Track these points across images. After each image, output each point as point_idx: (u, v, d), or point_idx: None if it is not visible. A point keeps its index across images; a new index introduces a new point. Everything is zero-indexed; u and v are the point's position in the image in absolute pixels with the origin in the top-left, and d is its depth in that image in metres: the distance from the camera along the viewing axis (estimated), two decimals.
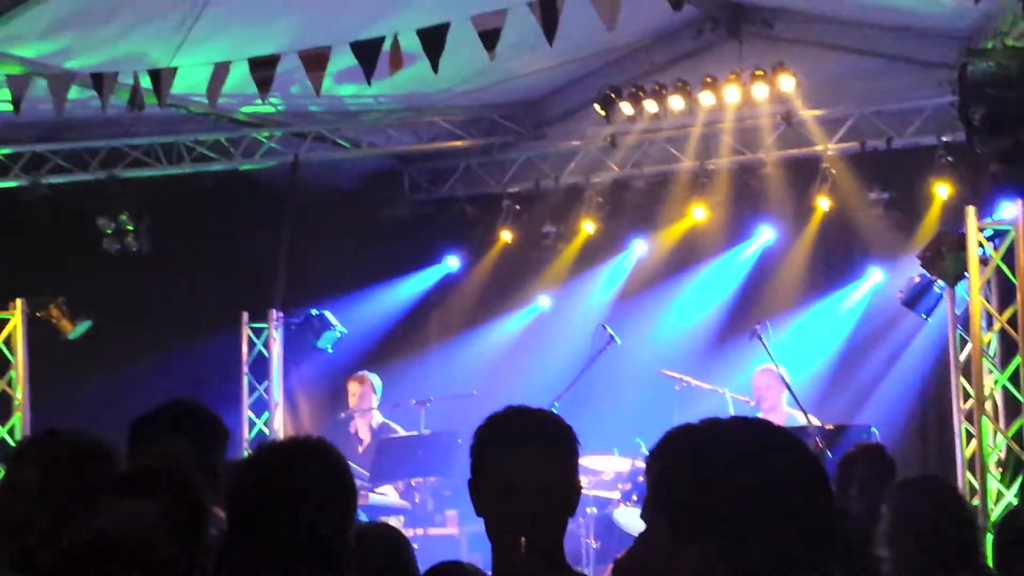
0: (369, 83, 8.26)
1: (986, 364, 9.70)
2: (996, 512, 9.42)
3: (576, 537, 9.80)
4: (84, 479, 3.53)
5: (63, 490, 3.60)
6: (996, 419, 9.67)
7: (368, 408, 11.01)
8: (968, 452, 9.89)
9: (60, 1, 8.13)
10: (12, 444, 10.58)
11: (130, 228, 10.59)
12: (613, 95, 10.86)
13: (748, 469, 2.20)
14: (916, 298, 10.41)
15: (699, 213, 11.68)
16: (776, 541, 2.13)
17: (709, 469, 2.19)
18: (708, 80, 10.57)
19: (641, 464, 9.05)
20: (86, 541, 3.21)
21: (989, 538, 9.12)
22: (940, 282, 10.00)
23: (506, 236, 12.52)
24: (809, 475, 2.22)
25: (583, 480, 9.61)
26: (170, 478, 3.43)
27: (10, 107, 8.66)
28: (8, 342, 11.11)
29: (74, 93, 8.68)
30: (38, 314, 11.12)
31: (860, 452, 7.33)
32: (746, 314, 11.61)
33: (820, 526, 2.19)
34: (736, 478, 2.16)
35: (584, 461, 9.99)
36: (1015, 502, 9.43)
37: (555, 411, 10.63)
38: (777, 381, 10.30)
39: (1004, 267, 9.61)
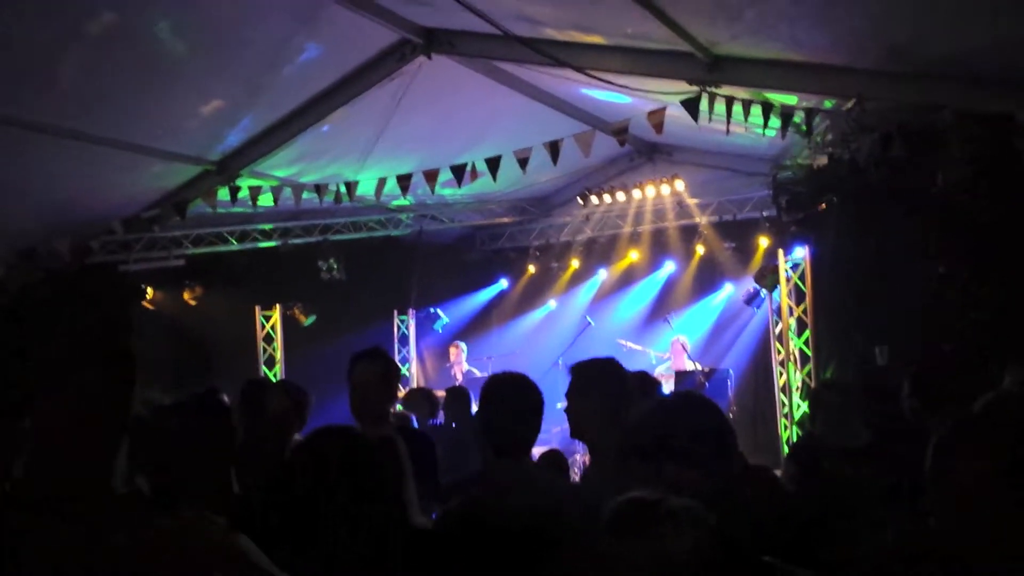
0: (460, 187, 8.29)
1: (790, 334, 9.65)
2: (797, 413, 9.37)
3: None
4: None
5: None
6: (797, 365, 9.61)
7: (460, 362, 11.01)
8: (781, 383, 9.83)
9: (296, 146, 8.16)
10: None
11: (335, 266, 10.58)
12: (587, 192, 10.83)
13: (674, 423, 2.24)
14: (751, 299, 10.36)
15: (634, 255, 11.63)
16: (700, 448, 2.17)
17: (656, 436, 2.22)
18: (637, 184, 10.50)
19: None
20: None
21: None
22: (764, 291, 9.95)
23: (532, 268, 12.45)
24: (705, 407, 2.35)
25: None
26: (381, 353, 3.86)
27: (271, 202, 8.72)
28: (273, 327, 11.25)
29: (305, 195, 8.68)
30: (288, 312, 11.21)
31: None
32: (661, 309, 11.59)
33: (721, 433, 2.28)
34: (669, 432, 2.19)
35: None
36: (807, 409, 9.35)
37: (560, 363, 10.50)
38: (680, 347, 10.26)
39: (799, 282, 9.58)
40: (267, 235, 10.12)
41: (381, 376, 3.73)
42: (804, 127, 7.11)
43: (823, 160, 7.75)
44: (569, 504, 2.56)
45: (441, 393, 7.49)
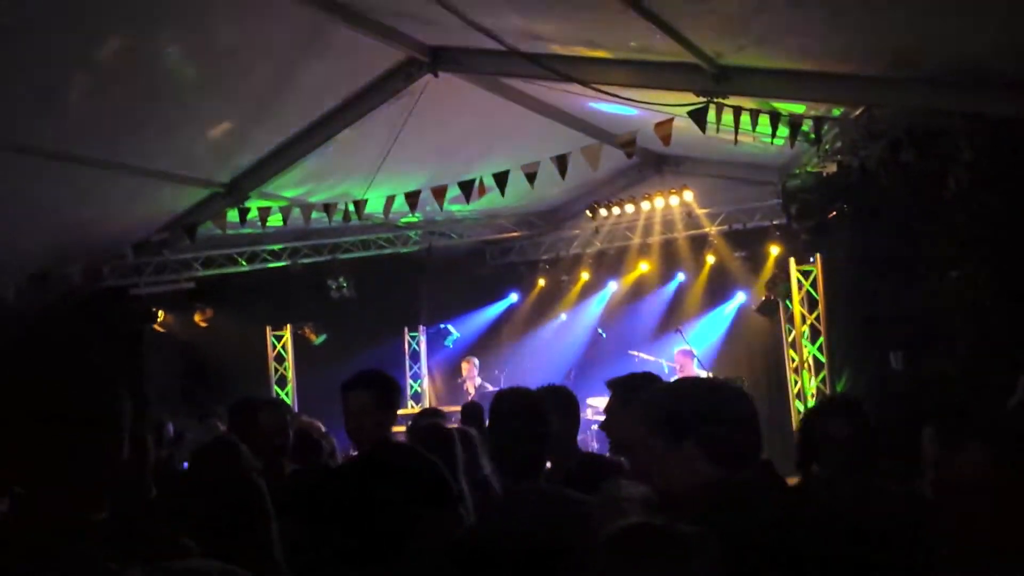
0: (468, 203, 8.30)
1: (804, 342, 9.64)
2: None
3: (585, 442, 9.75)
4: None
5: None
6: (811, 372, 9.60)
7: (472, 377, 11.01)
8: (795, 390, 9.82)
9: (304, 167, 8.22)
10: (288, 401, 10.76)
11: (344, 285, 10.63)
12: (596, 205, 10.84)
13: (707, 395, 2.16)
14: (764, 308, 10.35)
15: (644, 267, 11.64)
16: (726, 435, 2.06)
17: (687, 399, 2.15)
18: (646, 196, 10.49)
19: None
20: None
21: None
22: (776, 299, 9.97)
23: (542, 282, 12.45)
24: (741, 397, 2.18)
25: (589, 410, 9.24)
26: (375, 377, 3.63)
27: (281, 222, 8.76)
28: (284, 347, 11.28)
29: (314, 215, 8.72)
30: (299, 332, 11.27)
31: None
32: (672, 320, 11.57)
33: (752, 427, 2.13)
34: (701, 401, 2.12)
35: (589, 400, 10.01)
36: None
37: (572, 375, 10.49)
38: (689, 356, 10.21)
39: (811, 290, 9.58)
40: (277, 255, 10.17)
41: (369, 402, 3.55)
42: (812, 135, 7.14)
43: (832, 168, 7.76)
44: (587, 525, 2.55)
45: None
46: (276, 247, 10.10)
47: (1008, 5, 4.62)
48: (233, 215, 8.51)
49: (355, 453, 3.86)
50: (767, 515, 1.92)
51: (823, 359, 9.44)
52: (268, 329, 11.30)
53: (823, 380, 9.42)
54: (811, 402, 9.45)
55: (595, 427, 9.96)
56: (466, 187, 7.94)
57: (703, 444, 2.01)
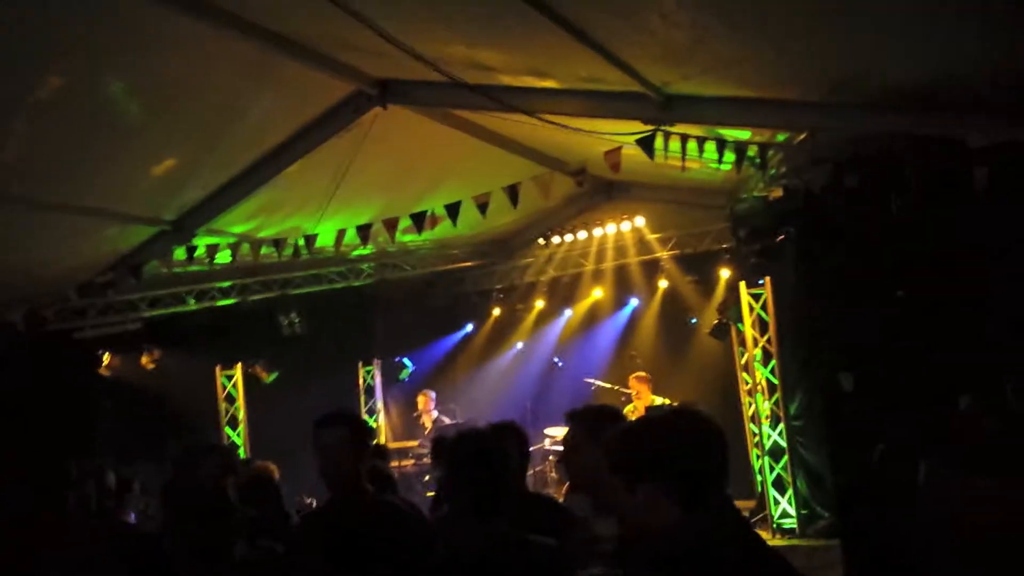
0: (420, 234, 8.26)
1: (756, 364, 9.69)
2: (768, 443, 9.39)
3: (544, 473, 9.69)
4: None
5: None
6: (765, 395, 9.65)
7: (428, 410, 10.90)
8: (749, 413, 9.86)
9: (253, 201, 8.07)
10: (240, 442, 10.51)
11: (296, 321, 10.47)
12: (549, 232, 10.87)
13: (666, 436, 2.06)
14: (716, 331, 10.39)
15: (598, 293, 11.67)
16: (686, 477, 1.98)
17: (646, 442, 2.07)
18: (597, 222, 10.57)
19: None
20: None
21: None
22: (729, 322, 10.02)
23: (496, 312, 12.43)
24: (705, 432, 2.08)
25: (547, 441, 9.31)
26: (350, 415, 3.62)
27: (228, 259, 8.59)
28: (235, 387, 11.05)
29: (264, 250, 8.61)
30: (249, 370, 11.05)
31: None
32: (625, 346, 11.60)
33: (718, 461, 2.05)
34: (660, 443, 2.04)
35: (547, 431, 9.95)
36: (778, 439, 9.35)
37: (529, 408, 10.47)
38: (644, 382, 10.21)
39: (762, 312, 9.65)
40: (226, 293, 10.00)
41: (346, 439, 3.49)
42: (758, 160, 7.22)
43: (778, 192, 7.85)
44: (542, 568, 2.49)
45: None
46: (225, 284, 9.92)
47: (946, 32, 4.73)
48: (180, 253, 8.34)
49: (326, 500, 3.71)
50: (728, 567, 1.88)
51: (776, 381, 9.50)
52: (218, 368, 11.06)
53: (776, 402, 9.47)
54: (765, 424, 9.50)
55: (552, 458, 9.91)
56: (418, 218, 7.93)
57: (662, 487, 1.96)
